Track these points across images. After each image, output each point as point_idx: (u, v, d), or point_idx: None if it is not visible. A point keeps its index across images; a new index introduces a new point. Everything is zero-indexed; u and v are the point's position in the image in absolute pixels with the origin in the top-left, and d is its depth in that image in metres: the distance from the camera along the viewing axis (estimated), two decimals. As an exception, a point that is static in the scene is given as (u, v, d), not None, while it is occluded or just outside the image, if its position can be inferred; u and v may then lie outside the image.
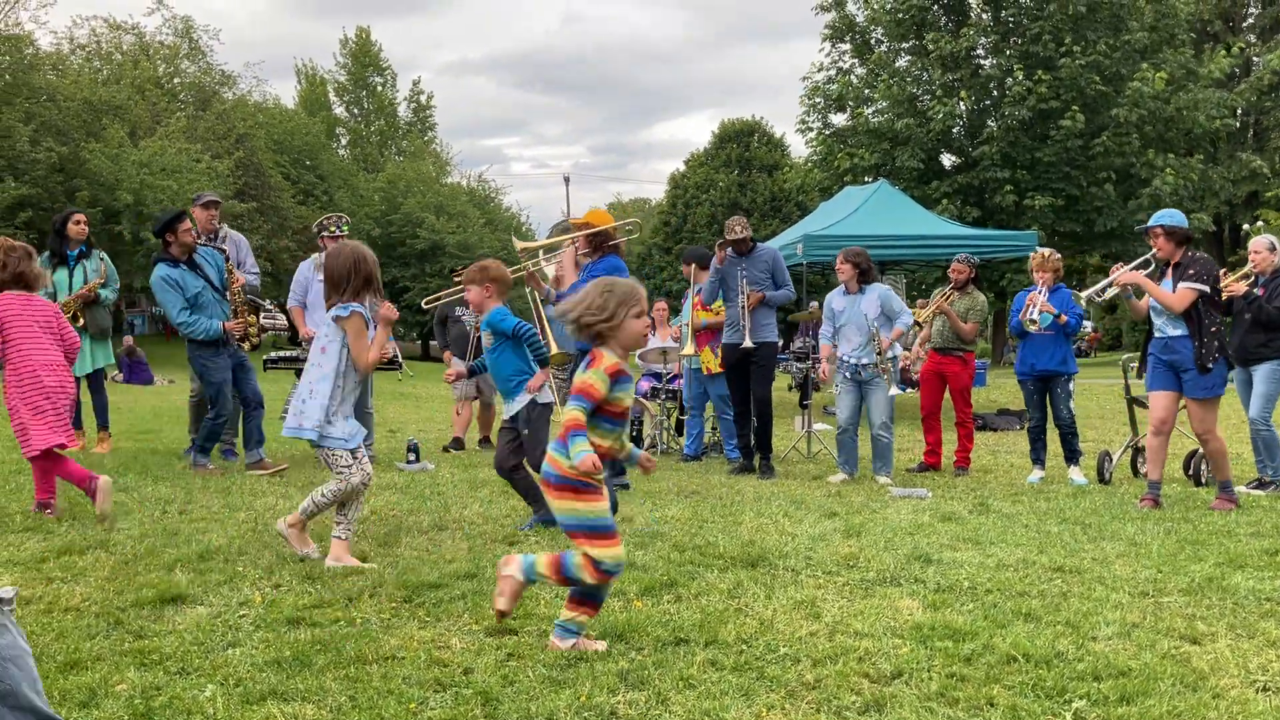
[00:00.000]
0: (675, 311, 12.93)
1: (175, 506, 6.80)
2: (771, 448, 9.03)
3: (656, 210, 61.46)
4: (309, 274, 8.93)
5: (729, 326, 8.98)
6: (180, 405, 14.59)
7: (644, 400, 10.48)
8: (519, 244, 8.08)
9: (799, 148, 61.71)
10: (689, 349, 10.12)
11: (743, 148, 49.36)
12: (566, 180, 62.09)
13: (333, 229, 8.83)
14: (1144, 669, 3.75)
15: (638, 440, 10.13)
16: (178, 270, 7.97)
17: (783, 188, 46.40)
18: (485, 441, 10.72)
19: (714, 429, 10.40)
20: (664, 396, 10.69)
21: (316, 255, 9.13)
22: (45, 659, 3.78)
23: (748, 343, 8.78)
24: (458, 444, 10.48)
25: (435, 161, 60.01)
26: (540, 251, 8.15)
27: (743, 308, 8.78)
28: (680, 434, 10.74)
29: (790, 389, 18.97)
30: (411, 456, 8.95)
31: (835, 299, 8.76)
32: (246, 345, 8.29)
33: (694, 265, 9.63)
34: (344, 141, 64.61)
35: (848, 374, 8.60)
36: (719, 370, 9.74)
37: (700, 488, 8.14)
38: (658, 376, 10.90)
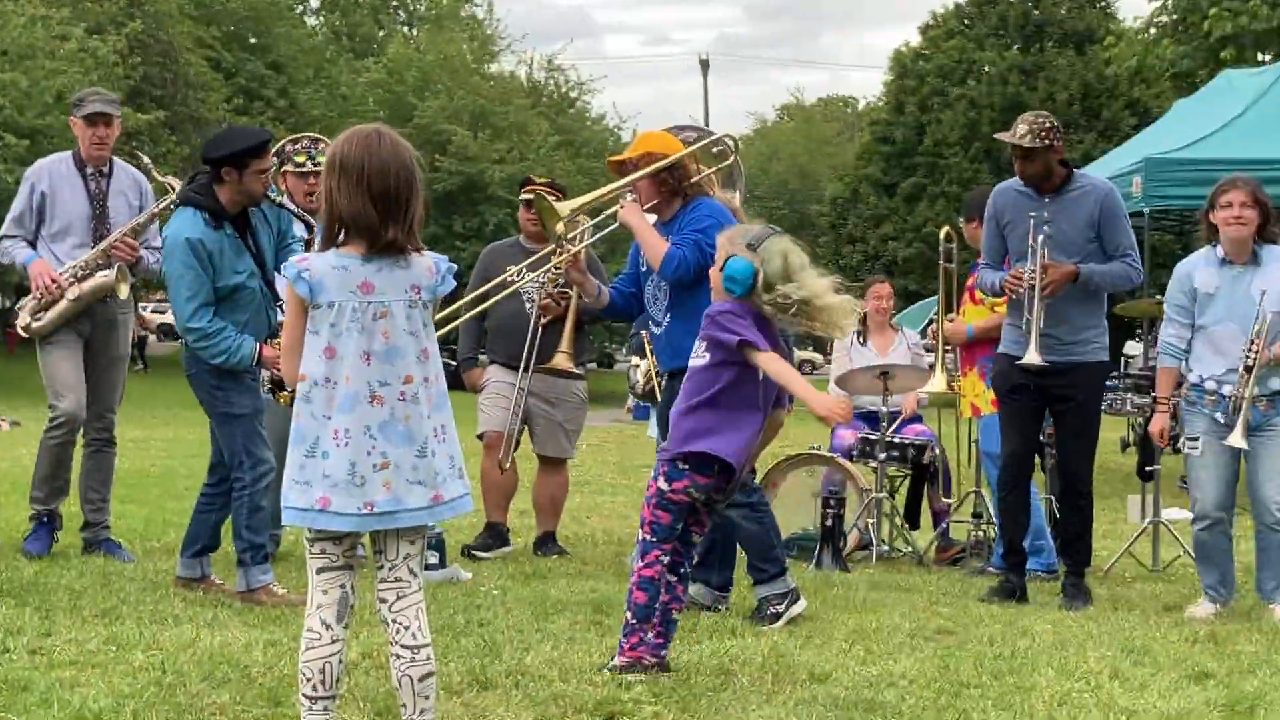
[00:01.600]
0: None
1: (24, 641, 4.01)
2: (1088, 555, 5.46)
3: (866, 117, 39.72)
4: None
5: (1009, 325, 5.30)
6: (25, 461, 8.46)
7: (845, 463, 6.61)
8: (559, 206, 4.96)
9: (1133, 3, 40.88)
10: (938, 383, 6.26)
11: (1029, 2, 29.52)
12: (704, 65, 40.29)
13: (302, 159, 5.49)
14: None
15: (834, 533, 6.51)
16: (218, 234, 4.68)
17: (1103, 74, 26.20)
18: (547, 541, 6.35)
19: (978, 517, 6.44)
20: (884, 456, 6.57)
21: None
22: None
23: (1035, 358, 5.00)
24: (495, 536, 6.27)
25: (473, 36, 35.42)
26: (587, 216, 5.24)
27: (1034, 286, 5.03)
28: (914, 525, 6.86)
29: (1124, 448, 12.34)
30: (433, 558, 5.60)
31: (1199, 272, 5.06)
32: (284, 399, 4.58)
33: (978, 222, 5.80)
34: (314, 3, 40.22)
35: (1218, 415, 4.94)
36: (992, 411, 5.89)
37: (954, 622, 4.80)
38: (873, 420, 6.76)
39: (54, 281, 5.28)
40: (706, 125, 30.94)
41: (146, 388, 21.65)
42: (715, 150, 5.02)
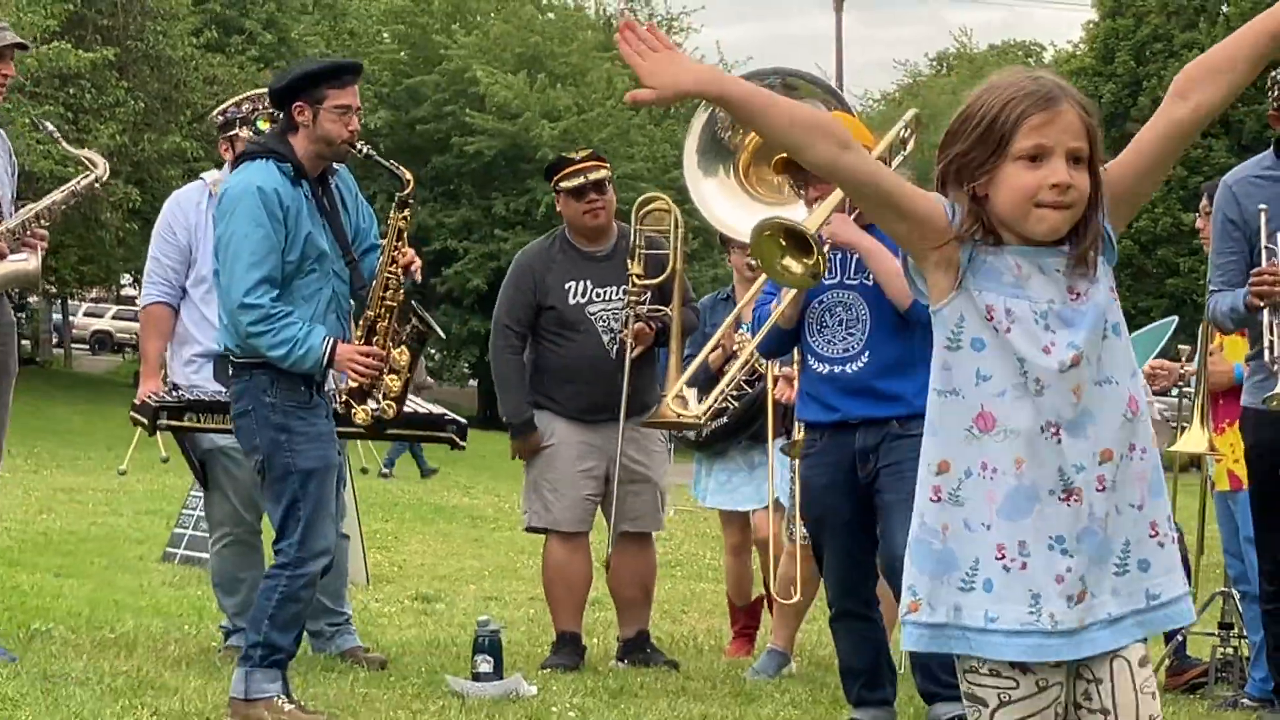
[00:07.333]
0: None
1: None
2: None
3: (1059, 70, 22.57)
4: (192, 219, 4.42)
5: (1254, 363, 4.00)
6: None
7: None
8: (808, 223, 3.40)
9: None
10: (1195, 440, 4.71)
11: None
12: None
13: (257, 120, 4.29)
14: None
15: None
16: (296, 191, 3.69)
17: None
18: (640, 645, 4.84)
19: (1227, 629, 4.67)
20: None
21: (212, 174, 4.62)
22: None
23: None
24: (574, 650, 4.75)
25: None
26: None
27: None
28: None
29: None
30: (484, 664, 4.23)
31: None
32: (363, 411, 3.80)
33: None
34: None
35: None
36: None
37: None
38: None
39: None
40: (840, 75, 25.73)
41: (78, 418, 16.83)
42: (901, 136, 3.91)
